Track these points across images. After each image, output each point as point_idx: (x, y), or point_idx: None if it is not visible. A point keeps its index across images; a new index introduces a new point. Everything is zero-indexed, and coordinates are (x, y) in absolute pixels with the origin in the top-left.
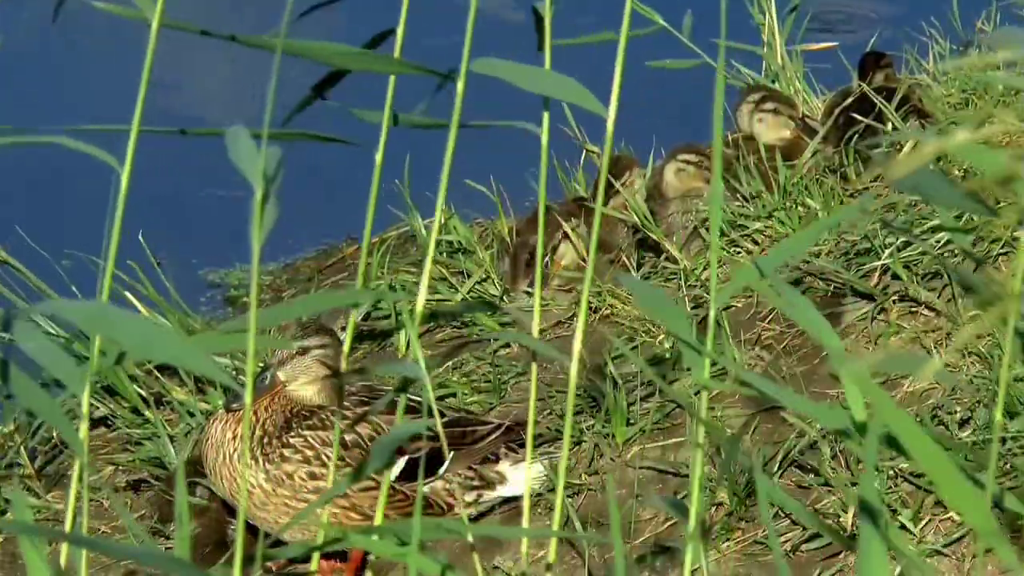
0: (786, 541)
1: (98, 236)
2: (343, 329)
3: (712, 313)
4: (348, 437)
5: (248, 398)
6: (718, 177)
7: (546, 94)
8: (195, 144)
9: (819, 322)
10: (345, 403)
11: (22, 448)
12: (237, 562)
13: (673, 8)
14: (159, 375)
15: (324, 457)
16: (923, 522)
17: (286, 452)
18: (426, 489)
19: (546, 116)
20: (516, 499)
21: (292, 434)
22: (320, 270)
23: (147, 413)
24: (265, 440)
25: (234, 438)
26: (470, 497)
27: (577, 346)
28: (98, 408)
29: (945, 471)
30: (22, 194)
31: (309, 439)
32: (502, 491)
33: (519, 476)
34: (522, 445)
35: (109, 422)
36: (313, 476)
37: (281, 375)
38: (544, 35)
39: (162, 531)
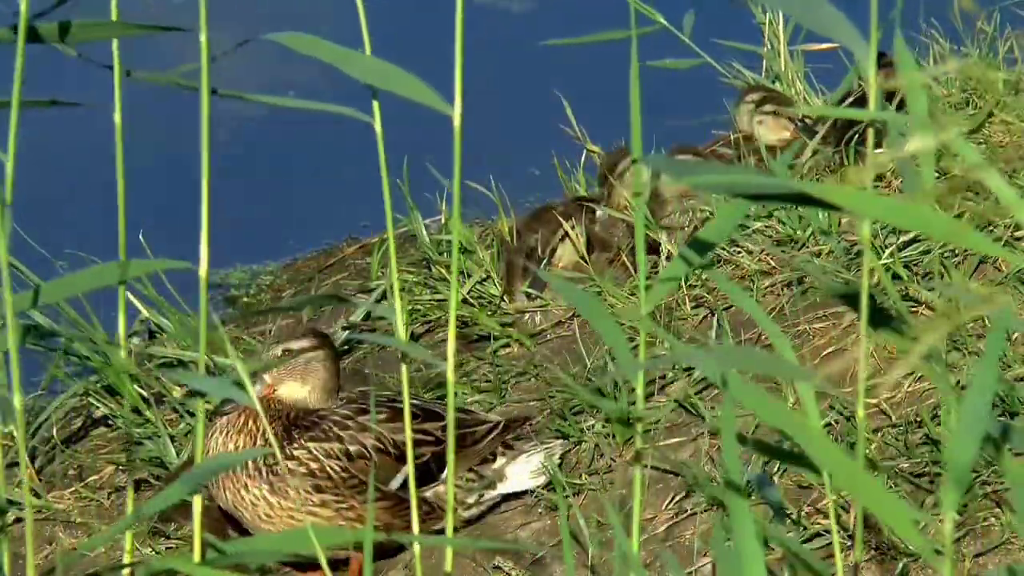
0: None
1: (98, 235)
2: (344, 329)
3: (643, 310)
4: (352, 448)
5: (18, 402)
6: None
7: (367, 81)
8: (194, 143)
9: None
10: (345, 411)
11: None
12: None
13: (673, 8)
14: (160, 375)
15: (328, 470)
16: (923, 522)
17: (290, 465)
18: (429, 494)
19: (376, 105)
20: (517, 496)
21: (295, 446)
22: (321, 270)
23: (147, 413)
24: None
25: (236, 449)
26: (472, 499)
27: (451, 347)
28: (98, 408)
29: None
30: (21, 193)
31: (313, 451)
32: (502, 489)
33: (518, 471)
34: (518, 439)
35: (109, 422)
36: (318, 489)
37: (268, 378)
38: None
39: (162, 531)
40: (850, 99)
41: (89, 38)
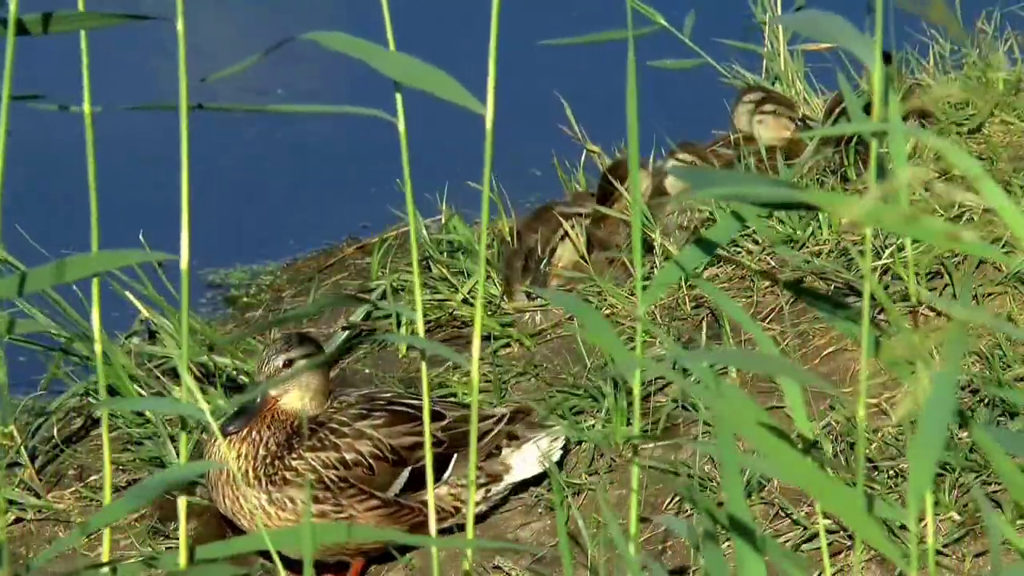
0: (786, 541)
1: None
2: (344, 329)
3: (641, 312)
4: (349, 456)
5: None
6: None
7: (400, 79)
8: (194, 144)
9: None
10: (343, 417)
11: (22, 448)
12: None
13: (673, 7)
14: (160, 375)
15: (327, 480)
16: (923, 522)
17: (288, 475)
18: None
19: (399, 98)
20: (518, 496)
21: (294, 456)
22: (321, 270)
23: (147, 413)
24: (268, 460)
25: (238, 457)
26: (478, 495)
27: (476, 345)
28: (98, 407)
29: (813, 478)
30: (22, 192)
31: (311, 461)
32: (509, 479)
33: (524, 460)
34: (523, 428)
35: (109, 421)
36: (315, 499)
37: (272, 391)
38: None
39: (162, 530)
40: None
41: (68, 29)
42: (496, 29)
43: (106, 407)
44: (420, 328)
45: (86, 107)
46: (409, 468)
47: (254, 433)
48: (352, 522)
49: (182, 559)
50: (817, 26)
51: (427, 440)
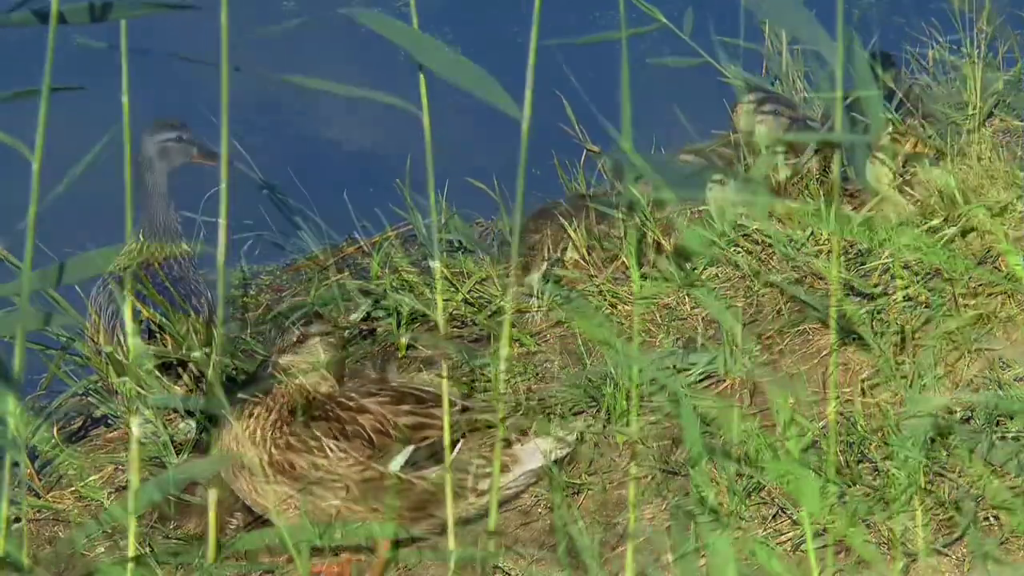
0: (786, 540)
1: (98, 233)
2: (343, 329)
3: (636, 321)
4: (350, 428)
5: None
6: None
7: (441, 74)
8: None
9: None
10: (352, 393)
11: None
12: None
13: (673, 6)
14: (160, 375)
15: (328, 449)
16: (923, 522)
17: (292, 440)
18: (435, 477)
19: (423, 84)
20: (518, 495)
21: (300, 423)
22: (321, 270)
23: (147, 413)
24: (277, 424)
25: (250, 416)
26: (484, 485)
27: (506, 335)
28: (98, 407)
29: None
30: (22, 191)
31: (314, 429)
32: (517, 471)
33: (531, 452)
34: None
35: (109, 421)
36: (315, 467)
37: (283, 363)
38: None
39: (162, 530)
40: (850, 99)
41: (119, 16)
42: (536, 33)
43: (134, 405)
44: (441, 324)
45: (124, 99)
46: (412, 447)
47: (268, 399)
48: (349, 494)
49: (211, 554)
50: (783, 16)
51: (446, 437)
